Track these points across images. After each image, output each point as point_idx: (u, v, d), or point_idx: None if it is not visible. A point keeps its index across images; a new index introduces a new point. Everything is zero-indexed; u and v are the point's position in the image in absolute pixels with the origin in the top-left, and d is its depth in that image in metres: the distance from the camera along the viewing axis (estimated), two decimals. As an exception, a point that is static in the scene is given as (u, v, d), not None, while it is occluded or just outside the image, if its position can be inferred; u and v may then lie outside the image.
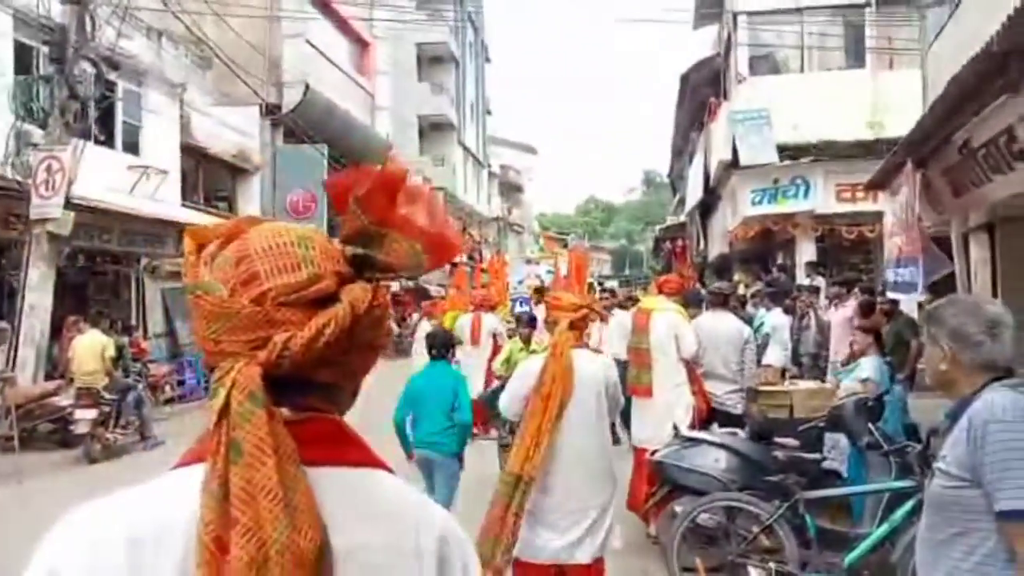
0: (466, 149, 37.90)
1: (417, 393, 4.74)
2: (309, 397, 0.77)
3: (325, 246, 0.78)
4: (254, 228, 0.79)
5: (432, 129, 33.69)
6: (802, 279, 11.48)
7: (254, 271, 0.74)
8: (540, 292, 11.70)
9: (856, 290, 7.76)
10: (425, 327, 9.26)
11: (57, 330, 10.26)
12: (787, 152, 12.46)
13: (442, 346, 4.93)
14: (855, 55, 13.18)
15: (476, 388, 8.47)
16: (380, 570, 0.74)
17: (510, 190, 51.37)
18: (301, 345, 0.70)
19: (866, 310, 6.76)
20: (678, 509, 4.42)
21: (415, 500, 0.82)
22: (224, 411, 0.69)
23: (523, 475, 3.18)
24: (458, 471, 4.79)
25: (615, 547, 3.55)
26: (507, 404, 3.56)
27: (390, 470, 0.82)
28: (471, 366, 8.57)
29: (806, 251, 12.88)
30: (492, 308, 10.51)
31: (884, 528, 3.74)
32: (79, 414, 8.60)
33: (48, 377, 9.87)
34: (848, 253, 12.81)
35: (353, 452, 0.78)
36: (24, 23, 10.59)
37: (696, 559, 4.10)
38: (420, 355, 7.70)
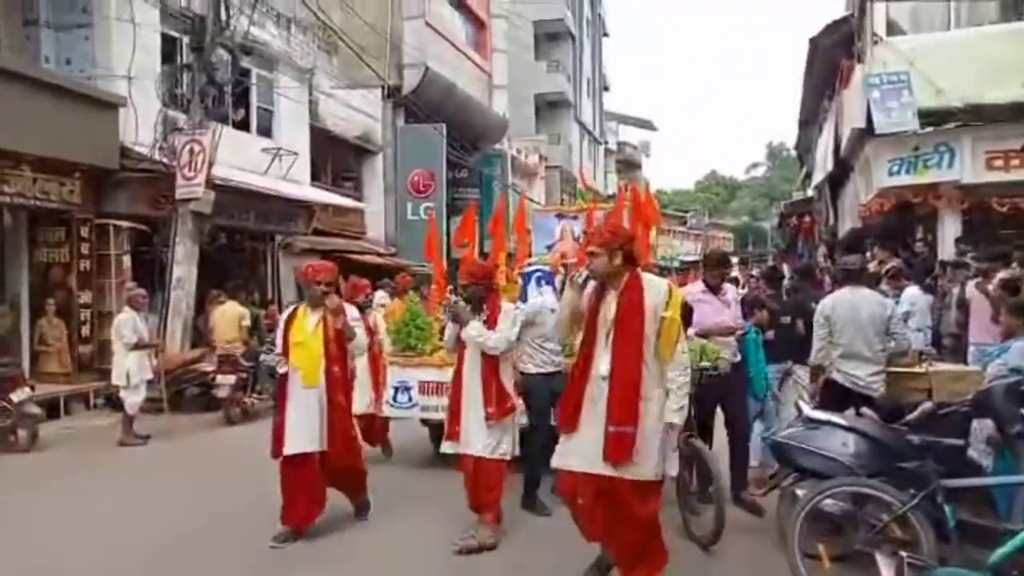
0: (583, 126, 37.58)
1: None
2: None
3: None
4: None
5: (548, 107, 33.62)
6: (946, 256, 10.61)
7: None
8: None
9: (1014, 264, 7.05)
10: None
11: (201, 302, 11.07)
12: (929, 119, 11.48)
13: None
14: (1013, 6, 11.93)
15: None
16: None
17: (627, 167, 50.55)
18: None
19: (1008, 289, 6.17)
20: (800, 493, 4.22)
21: None
22: None
23: None
24: None
25: None
26: None
27: None
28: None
29: (950, 225, 11.85)
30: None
31: (1037, 525, 3.41)
32: (220, 379, 9.27)
33: (193, 346, 10.68)
34: (999, 227, 11.70)
35: None
36: (170, 15, 11.40)
37: (819, 546, 3.91)
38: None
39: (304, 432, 4.81)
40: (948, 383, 5.29)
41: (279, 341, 5.02)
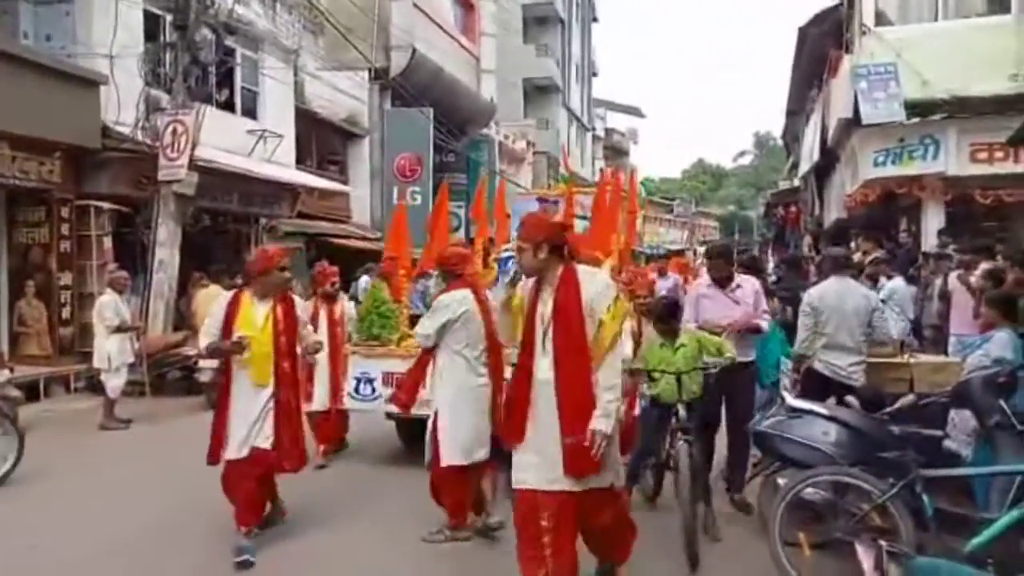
0: (571, 112, 37.44)
1: None
2: None
3: None
4: None
5: (537, 92, 33.45)
6: (929, 247, 10.70)
7: None
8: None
9: (998, 257, 7.11)
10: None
11: (183, 285, 10.96)
12: (915, 110, 11.55)
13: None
14: (999, 0, 12.00)
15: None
16: None
17: (615, 154, 50.52)
18: None
19: (993, 279, 6.22)
20: (781, 482, 4.25)
21: None
22: None
23: None
24: None
25: None
26: None
27: None
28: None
29: (934, 217, 11.97)
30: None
31: (1014, 514, 3.45)
32: (203, 363, 9.17)
33: (176, 329, 10.59)
34: (982, 219, 11.82)
35: None
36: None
37: (800, 534, 3.94)
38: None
39: (249, 433, 4.37)
40: (929, 374, 5.34)
41: (216, 327, 4.41)
